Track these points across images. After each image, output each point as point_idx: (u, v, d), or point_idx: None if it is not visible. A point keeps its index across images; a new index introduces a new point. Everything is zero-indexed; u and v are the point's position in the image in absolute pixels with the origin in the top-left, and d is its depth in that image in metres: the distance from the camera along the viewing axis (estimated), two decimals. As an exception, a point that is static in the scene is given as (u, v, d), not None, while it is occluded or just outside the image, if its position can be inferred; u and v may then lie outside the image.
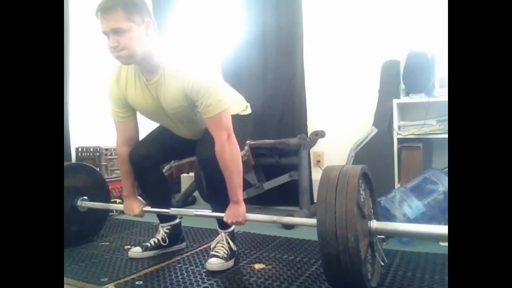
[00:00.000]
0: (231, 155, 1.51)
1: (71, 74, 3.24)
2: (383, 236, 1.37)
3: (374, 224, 1.29)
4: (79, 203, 1.98)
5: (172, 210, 1.73)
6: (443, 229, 1.23)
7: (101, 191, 2.16)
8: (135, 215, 1.78)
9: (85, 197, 2.02)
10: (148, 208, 1.79)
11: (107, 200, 2.18)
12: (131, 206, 1.78)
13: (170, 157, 1.89)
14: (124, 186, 1.80)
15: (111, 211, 2.90)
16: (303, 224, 1.55)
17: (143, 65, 1.51)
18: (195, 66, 1.49)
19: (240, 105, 1.76)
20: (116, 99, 1.65)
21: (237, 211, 1.55)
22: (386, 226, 1.33)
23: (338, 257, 1.13)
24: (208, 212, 1.70)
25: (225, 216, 1.56)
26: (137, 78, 1.57)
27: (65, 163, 2.05)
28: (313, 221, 1.26)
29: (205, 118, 1.52)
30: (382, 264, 1.37)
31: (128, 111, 1.68)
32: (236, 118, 1.62)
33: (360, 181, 1.26)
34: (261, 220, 1.58)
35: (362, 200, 1.26)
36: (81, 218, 2.02)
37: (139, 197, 1.82)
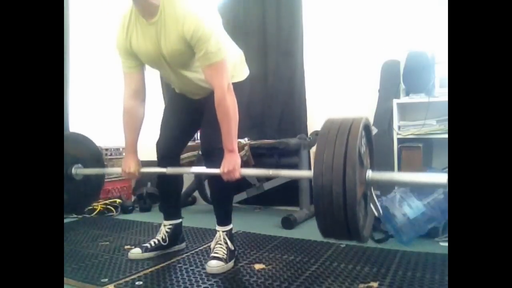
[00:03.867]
0: (232, 103, 1.52)
1: (71, 74, 3.23)
2: (378, 193, 1.33)
3: (371, 173, 1.26)
4: (73, 171, 1.92)
5: (169, 170, 1.70)
6: (442, 177, 1.19)
7: (96, 160, 2.11)
8: (131, 173, 1.76)
9: (80, 165, 1.96)
10: (145, 169, 1.78)
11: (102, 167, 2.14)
12: (129, 163, 1.76)
13: (183, 136, 1.89)
14: (126, 143, 1.78)
15: (109, 209, 2.90)
16: (299, 176, 1.52)
17: (140, 4, 1.49)
18: (197, 10, 1.47)
19: (238, 70, 1.75)
20: (123, 49, 1.65)
21: (233, 160, 1.53)
22: (382, 175, 1.30)
23: (330, 189, 1.09)
24: (205, 168, 1.68)
25: (221, 166, 1.54)
26: (138, 23, 1.57)
27: None
28: (310, 172, 1.22)
29: (204, 67, 1.51)
30: (378, 215, 1.34)
31: (134, 61, 1.67)
32: (234, 86, 1.61)
33: (363, 132, 1.22)
34: (255, 174, 1.56)
35: (362, 149, 1.23)
36: (75, 187, 1.96)
37: (138, 158, 1.80)
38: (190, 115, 1.81)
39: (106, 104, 3.26)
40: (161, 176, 1.86)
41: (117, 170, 1.83)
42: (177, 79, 1.69)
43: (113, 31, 1.67)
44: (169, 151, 1.80)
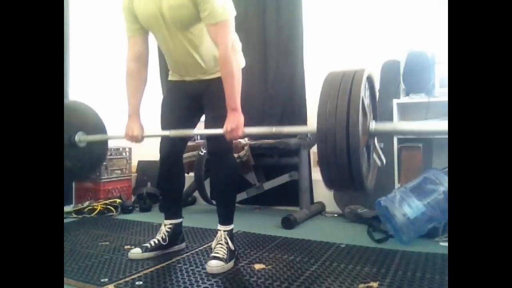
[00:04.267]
0: (235, 62, 1.54)
1: (71, 74, 3.23)
2: (382, 145, 1.33)
3: (373, 123, 1.25)
4: (77, 138, 1.88)
5: (172, 132, 1.68)
6: (442, 125, 1.17)
7: (98, 128, 2.06)
8: (134, 137, 1.74)
9: (82, 132, 1.92)
10: (148, 133, 1.77)
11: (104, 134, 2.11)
12: (133, 126, 1.74)
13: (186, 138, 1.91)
14: (129, 104, 1.77)
15: (109, 209, 2.90)
16: (303, 131, 1.52)
17: None
18: None
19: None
20: (127, 13, 1.68)
21: (236, 118, 1.53)
22: (385, 126, 1.30)
23: (334, 138, 1.07)
24: (207, 130, 1.66)
25: (224, 125, 1.53)
26: None
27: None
28: (313, 127, 1.21)
29: (209, 25, 1.52)
30: (381, 163, 1.33)
31: (137, 24, 1.69)
32: None
33: (366, 83, 1.21)
34: (259, 132, 1.56)
35: (366, 101, 1.22)
36: (79, 155, 1.94)
37: (141, 122, 1.79)
38: (186, 111, 1.80)
39: (105, 104, 3.25)
40: (162, 173, 1.87)
41: (120, 135, 1.82)
42: (174, 47, 1.67)
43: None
44: (171, 152, 1.81)
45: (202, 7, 1.49)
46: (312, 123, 3.09)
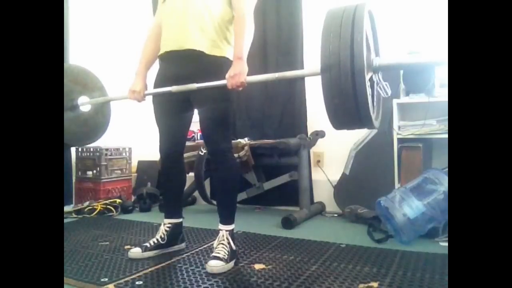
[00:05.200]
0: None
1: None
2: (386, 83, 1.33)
3: (377, 59, 1.25)
4: (79, 101, 1.94)
5: (174, 88, 1.68)
6: (442, 57, 1.21)
7: (100, 92, 2.14)
8: (136, 92, 1.79)
9: (84, 96, 2.00)
10: (150, 90, 1.81)
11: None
12: (137, 83, 1.82)
13: (182, 139, 1.92)
14: (139, 64, 1.85)
15: (109, 209, 2.90)
16: (306, 74, 1.56)
17: None
18: None
19: None
20: None
21: (240, 66, 1.57)
22: (389, 60, 1.29)
23: (338, 68, 1.08)
24: (211, 82, 1.64)
25: (228, 73, 1.57)
26: None
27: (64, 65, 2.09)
28: (316, 68, 1.23)
29: None
30: (385, 95, 1.35)
31: None
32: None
33: (367, 17, 1.21)
34: (261, 80, 1.60)
35: (368, 35, 1.22)
36: (83, 118, 2.02)
37: (146, 81, 1.85)
38: (177, 117, 1.81)
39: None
40: (162, 172, 1.88)
41: (123, 95, 1.87)
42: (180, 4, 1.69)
43: None
44: (170, 150, 1.83)
45: None
46: (311, 123, 3.11)
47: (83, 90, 2.02)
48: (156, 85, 1.80)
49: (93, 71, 2.19)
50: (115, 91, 2.16)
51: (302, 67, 2.98)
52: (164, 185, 1.96)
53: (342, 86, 1.06)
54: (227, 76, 1.56)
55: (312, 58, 3.00)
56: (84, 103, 1.94)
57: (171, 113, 1.80)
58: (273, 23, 3.07)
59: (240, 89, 1.59)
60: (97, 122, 2.10)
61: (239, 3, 1.64)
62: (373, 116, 1.19)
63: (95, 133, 2.14)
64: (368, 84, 1.20)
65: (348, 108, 1.10)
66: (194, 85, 1.63)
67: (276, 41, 3.06)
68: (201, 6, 1.68)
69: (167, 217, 1.89)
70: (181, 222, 1.93)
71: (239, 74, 1.54)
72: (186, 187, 3.18)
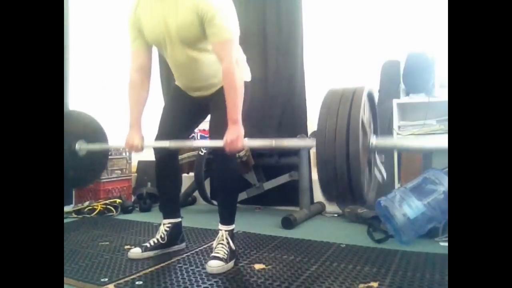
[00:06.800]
0: (239, 76, 1.55)
1: (71, 74, 3.23)
2: (382, 159, 1.35)
3: (374, 139, 1.25)
4: (77, 146, 1.92)
5: (171, 143, 1.69)
6: (443, 141, 1.19)
7: (99, 136, 2.10)
8: (134, 146, 1.75)
9: (83, 141, 1.96)
10: (148, 143, 1.79)
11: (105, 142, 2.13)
12: (133, 136, 1.76)
13: (183, 134, 1.93)
14: (130, 115, 1.80)
15: (109, 209, 2.91)
16: (302, 145, 1.52)
17: None
18: None
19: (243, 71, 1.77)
20: (132, 28, 1.71)
21: (236, 131, 1.53)
22: (386, 141, 1.30)
23: (334, 160, 1.08)
24: (208, 141, 1.67)
25: (224, 137, 1.54)
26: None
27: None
28: (312, 140, 1.22)
29: (214, 43, 1.54)
30: (382, 179, 1.35)
31: (141, 39, 1.72)
32: None
33: (366, 100, 1.21)
34: (259, 145, 1.58)
35: (365, 117, 1.23)
36: (80, 163, 1.97)
37: (142, 133, 1.80)
38: (190, 116, 1.83)
39: (106, 104, 3.26)
40: (158, 171, 1.87)
41: (120, 144, 1.84)
42: (180, 62, 1.69)
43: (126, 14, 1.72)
44: (165, 153, 1.82)
45: (209, 27, 1.52)
46: (311, 123, 3.11)
47: (81, 134, 2.01)
48: (176, 91, 1.86)
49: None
50: (115, 91, 2.16)
51: (302, 67, 2.99)
52: (160, 186, 1.95)
53: (338, 173, 1.10)
54: (223, 141, 1.53)
55: (312, 58, 3.01)
56: (82, 149, 1.95)
57: (184, 117, 1.82)
58: (273, 23, 3.07)
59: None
60: (94, 165, 2.09)
61: (221, 54, 1.55)
62: (368, 196, 1.23)
63: (91, 177, 2.14)
64: (365, 167, 1.24)
65: (343, 194, 1.14)
66: (193, 142, 1.68)
67: (276, 41, 3.06)
68: (196, 61, 1.68)
69: (165, 217, 1.89)
70: (180, 222, 1.93)
71: (236, 141, 1.51)
72: (186, 187, 3.20)
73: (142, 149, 1.77)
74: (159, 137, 1.81)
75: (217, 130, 1.64)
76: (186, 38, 1.61)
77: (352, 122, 1.09)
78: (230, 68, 1.53)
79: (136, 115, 1.78)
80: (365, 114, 1.21)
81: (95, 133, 2.07)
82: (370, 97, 1.32)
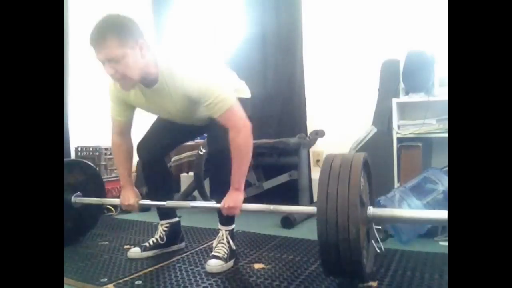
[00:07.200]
0: (246, 142, 1.51)
1: (71, 74, 3.23)
2: (379, 227, 1.38)
3: (371, 210, 1.28)
4: (73, 199, 1.95)
5: (168, 203, 1.72)
6: (442, 214, 1.22)
7: (96, 187, 2.14)
8: (130, 205, 1.77)
9: (79, 193, 2.00)
10: (144, 201, 1.80)
11: (102, 196, 2.17)
12: (127, 196, 1.77)
13: (174, 145, 1.94)
14: (121, 176, 1.81)
15: (109, 209, 2.90)
16: (302, 212, 1.55)
17: (141, 81, 1.51)
18: (192, 68, 1.49)
19: (240, 92, 1.76)
20: (116, 100, 1.69)
21: (236, 198, 1.56)
22: (383, 212, 1.33)
23: (337, 246, 1.13)
24: (205, 203, 1.70)
25: (223, 201, 1.56)
26: (138, 87, 1.57)
27: None
28: (313, 209, 1.26)
29: (218, 118, 1.51)
30: (379, 251, 1.38)
31: (127, 110, 1.71)
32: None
33: (362, 171, 1.25)
34: (258, 210, 1.59)
35: (362, 188, 1.25)
36: (76, 214, 2.00)
37: (136, 189, 1.82)
38: (188, 128, 1.81)
39: (105, 104, 3.26)
40: (146, 177, 1.87)
41: (115, 201, 1.87)
42: (185, 118, 1.70)
43: (108, 83, 1.66)
44: (154, 157, 1.82)
45: (207, 108, 1.50)
46: (311, 123, 3.11)
47: (77, 185, 2.02)
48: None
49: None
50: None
51: (301, 67, 2.99)
52: (150, 189, 1.93)
53: (339, 245, 1.15)
54: (221, 205, 1.55)
55: (311, 57, 3.01)
56: (77, 202, 1.96)
57: (176, 133, 1.82)
58: (273, 22, 3.07)
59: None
60: (89, 214, 2.10)
61: (228, 124, 1.50)
62: (366, 269, 1.28)
63: (87, 227, 2.16)
64: (364, 238, 1.28)
65: (343, 269, 1.20)
66: (189, 203, 1.72)
67: (275, 41, 3.06)
68: (194, 121, 1.71)
69: (162, 219, 1.89)
70: (178, 221, 1.92)
71: (234, 207, 1.55)
72: (186, 187, 3.20)
73: (138, 207, 1.79)
74: (147, 143, 1.82)
75: (216, 132, 1.63)
76: (189, 115, 1.65)
77: (351, 199, 1.14)
78: (237, 135, 1.49)
79: (125, 175, 1.79)
80: (362, 186, 1.25)
81: (92, 184, 2.11)
82: (366, 165, 1.35)
